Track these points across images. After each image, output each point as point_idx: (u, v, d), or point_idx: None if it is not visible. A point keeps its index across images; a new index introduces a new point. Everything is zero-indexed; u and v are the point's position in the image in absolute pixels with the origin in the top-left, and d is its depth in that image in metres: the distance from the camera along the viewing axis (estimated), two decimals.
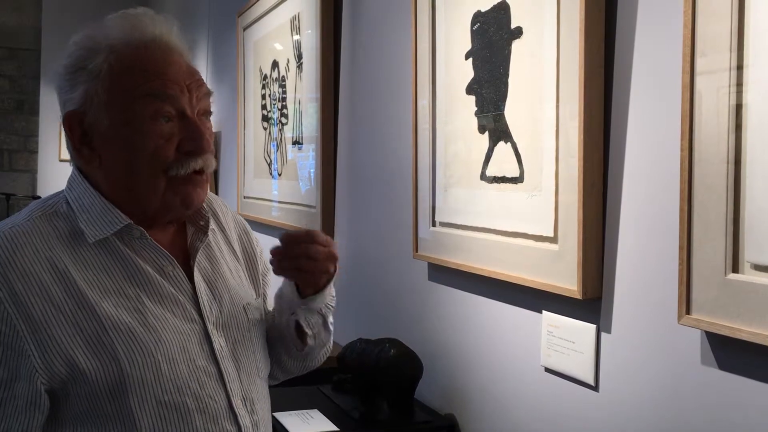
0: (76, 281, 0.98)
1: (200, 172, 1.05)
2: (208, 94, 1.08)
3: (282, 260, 1.11)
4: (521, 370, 1.61)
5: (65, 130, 1.04)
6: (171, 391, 1.00)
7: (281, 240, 1.11)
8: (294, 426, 1.77)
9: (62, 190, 1.08)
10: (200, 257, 1.12)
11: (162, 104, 1.01)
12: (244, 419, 1.08)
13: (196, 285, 1.09)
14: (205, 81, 1.09)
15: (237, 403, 1.07)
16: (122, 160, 1.02)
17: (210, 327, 1.07)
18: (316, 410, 1.88)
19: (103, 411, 0.97)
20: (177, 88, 1.02)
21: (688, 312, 1.16)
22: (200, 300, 1.08)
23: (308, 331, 1.20)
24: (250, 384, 1.12)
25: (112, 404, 0.97)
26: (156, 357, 0.99)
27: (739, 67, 1.09)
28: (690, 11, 1.14)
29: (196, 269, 1.10)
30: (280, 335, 1.23)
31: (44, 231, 1.00)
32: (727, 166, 1.10)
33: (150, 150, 1.01)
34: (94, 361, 0.96)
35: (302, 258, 1.10)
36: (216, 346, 1.07)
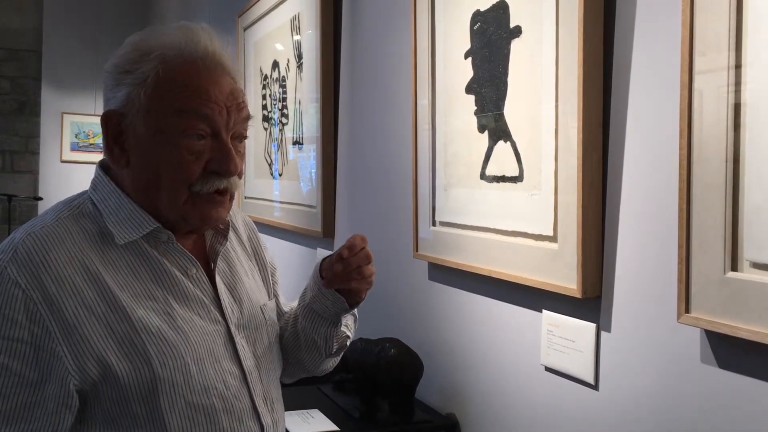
0: (107, 284, 0.99)
1: (223, 192, 1.06)
2: (247, 118, 1.08)
3: (347, 271, 1.11)
4: (521, 370, 1.61)
5: (102, 125, 1.05)
6: (199, 392, 1.02)
7: (352, 247, 1.10)
8: (295, 425, 1.77)
9: (85, 191, 1.08)
10: (220, 260, 1.13)
11: (197, 121, 1.01)
12: (266, 417, 1.10)
13: (218, 287, 1.10)
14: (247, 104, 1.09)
15: (259, 402, 1.09)
16: (149, 167, 1.03)
17: (233, 328, 1.09)
18: (316, 410, 1.88)
19: (133, 412, 0.98)
20: (216, 109, 1.02)
21: (687, 310, 1.16)
22: (222, 302, 1.10)
23: (350, 334, 1.29)
24: (269, 383, 1.14)
25: (142, 406, 0.98)
26: (186, 359, 1.01)
27: (738, 66, 1.09)
28: (688, 10, 1.15)
29: (217, 272, 1.12)
30: (309, 342, 1.25)
31: (74, 232, 1.01)
32: (726, 165, 1.10)
33: (176, 163, 1.02)
34: (126, 363, 0.97)
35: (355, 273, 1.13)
36: (239, 347, 1.09)
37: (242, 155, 1.09)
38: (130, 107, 1.02)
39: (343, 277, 1.12)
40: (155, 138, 1.02)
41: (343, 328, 1.25)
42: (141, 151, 1.03)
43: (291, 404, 1.89)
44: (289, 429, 1.75)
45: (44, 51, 6.46)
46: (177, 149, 1.01)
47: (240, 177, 1.08)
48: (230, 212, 1.22)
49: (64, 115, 6.61)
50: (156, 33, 1.05)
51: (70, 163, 6.58)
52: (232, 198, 1.10)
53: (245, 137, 1.10)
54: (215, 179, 1.04)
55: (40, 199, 6.31)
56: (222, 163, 1.03)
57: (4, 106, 6.49)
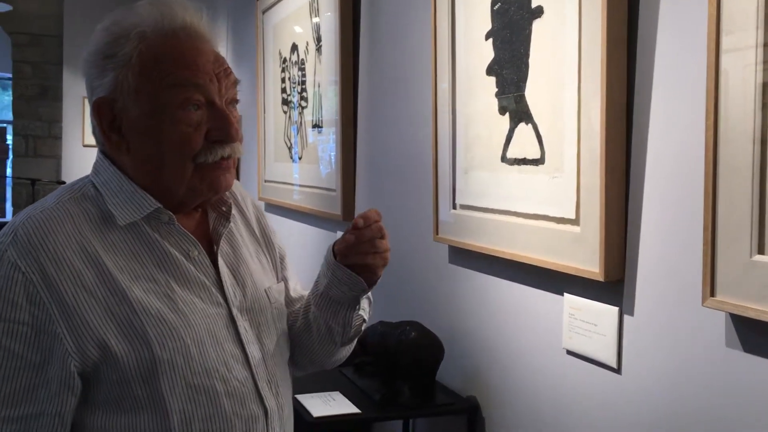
0: (107, 266, 0.99)
1: (227, 158, 1.06)
2: (236, 82, 1.08)
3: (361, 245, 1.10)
4: (543, 353, 1.61)
5: (94, 116, 1.04)
6: (200, 374, 1.01)
7: (366, 218, 1.09)
8: (316, 408, 1.78)
9: (87, 175, 1.09)
10: (223, 242, 1.13)
11: (191, 93, 1.01)
12: (270, 401, 1.09)
13: (220, 269, 1.10)
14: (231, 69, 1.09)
15: (263, 386, 1.08)
16: (150, 147, 1.03)
17: (234, 311, 1.09)
18: (338, 392, 1.89)
19: (134, 395, 0.99)
20: (206, 78, 1.03)
21: (712, 294, 1.15)
22: (224, 284, 1.09)
23: (366, 317, 1.25)
24: (274, 367, 1.13)
25: (143, 388, 0.99)
26: (185, 341, 1.01)
27: (766, 45, 1.06)
28: None
29: (219, 254, 1.11)
30: (322, 331, 1.23)
31: (74, 214, 1.01)
32: (754, 146, 1.08)
33: (178, 138, 1.02)
34: (125, 345, 0.97)
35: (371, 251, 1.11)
36: (241, 330, 1.08)
37: (238, 119, 1.08)
38: (119, 91, 1.02)
39: (356, 250, 1.11)
40: (151, 117, 1.01)
41: (360, 312, 1.25)
42: (139, 133, 1.03)
43: (312, 386, 1.90)
44: (310, 411, 1.76)
45: (65, 36, 6.50)
46: (176, 124, 1.01)
47: (240, 142, 1.08)
48: (239, 195, 1.22)
49: (86, 100, 6.65)
50: (128, 13, 1.05)
51: (91, 147, 6.62)
52: (235, 164, 1.10)
53: (237, 101, 1.10)
54: (218, 147, 1.04)
55: (63, 182, 6.37)
56: (223, 130, 1.03)
57: (27, 91, 6.56)
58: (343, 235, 1.12)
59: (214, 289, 1.07)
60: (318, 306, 1.20)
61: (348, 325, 1.21)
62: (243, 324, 1.09)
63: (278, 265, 1.26)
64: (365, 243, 1.10)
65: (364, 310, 1.25)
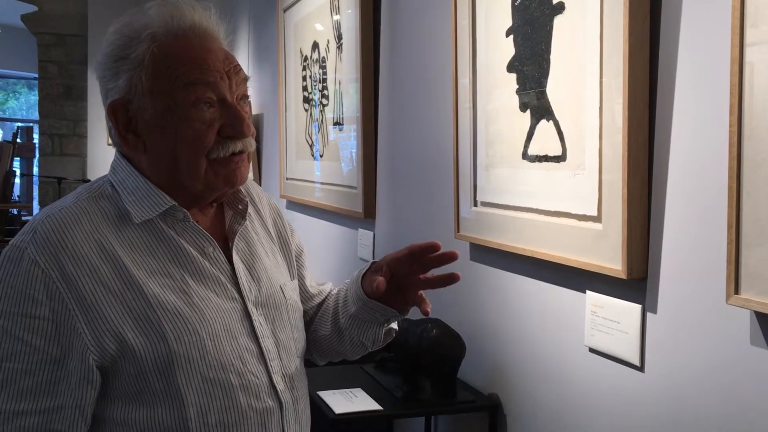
0: (123, 262, 1.02)
1: (240, 152, 1.08)
2: (246, 79, 1.10)
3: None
4: (565, 351, 1.60)
5: (110, 118, 1.07)
6: (216, 368, 1.03)
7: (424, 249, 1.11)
8: (338, 404, 1.79)
9: (106, 175, 1.12)
10: (238, 239, 1.15)
11: (204, 92, 1.04)
12: (285, 395, 1.11)
13: (235, 266, 1.12)
14: (242, 65, 1.11)
15: (277, 380, 1.10)
16: (166, 146, 1.05)
17: (250, 306, 1.11)
18: (359, 389, 1.90)
19: (152, 388, 1.01)
20: (217, 75, 1.05)
21: (736, 292, 1.14)
22: (239, 280, 1.11)
23: (397, 327, 1.27)
24: (289, 361, 1.15)
25: (160, 381, 1.01)
26: (201, 335, 1.03)
27: None
28: None
29: (234, 251, 1.13)
30: (354, 342, 1.25)
31: (92, 212, 1.04)
32: None
33: (192, 135, 1.04)
34: (142, 339, 1.00)
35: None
36: (256, 324, 1.10)
37: (249, 114, 1.10)
38: (133, 92, 1.04)
39: (403, 286, 1.13)
40: (165, 116, 1.04)
41: (391, 326, 1.25)
42: (154, 132, 1.05)
43: (334, 383, 1.91)
44: (332, 407, 1.77)
45: (90, 36, 6.59)
46: (189, 121, 1.03)
47: (252, 136, 1.10)
48: (255, 196, 1.24)
49: None
50: (138, 15, 1.07)
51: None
52: (249, 158, 1.12)
53: (247, 97, 1.12)
54: (230, 143, 1.06)
55: (88, 181, 6.47)
56: (235, 127, 1.06)
57: (52, 91, 6.66)
58: (371, 273, 1.14)
59: (229, 285, 1.09)
60: (350, 324, 1.22)
61: (378, 340, 1.23)
62: (258, 318, 1.11)
63: (294, 264, 1.27)
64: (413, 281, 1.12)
65: (394, 323, 1.26)
